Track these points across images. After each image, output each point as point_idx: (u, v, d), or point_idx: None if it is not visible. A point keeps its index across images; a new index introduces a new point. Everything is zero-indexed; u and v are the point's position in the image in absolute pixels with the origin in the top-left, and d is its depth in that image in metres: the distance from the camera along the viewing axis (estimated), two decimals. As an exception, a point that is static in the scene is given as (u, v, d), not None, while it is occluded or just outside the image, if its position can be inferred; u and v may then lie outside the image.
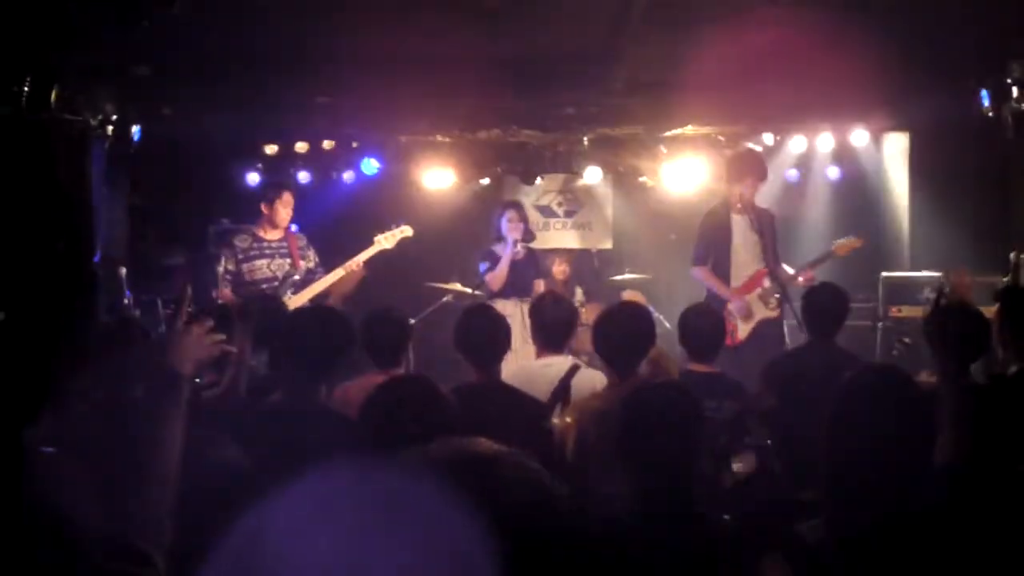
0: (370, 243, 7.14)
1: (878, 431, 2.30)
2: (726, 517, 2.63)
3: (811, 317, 5.09)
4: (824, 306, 5.06)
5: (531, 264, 7.85)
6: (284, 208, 6.89)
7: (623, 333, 4.16)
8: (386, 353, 4.32)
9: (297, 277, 6.77)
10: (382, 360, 4.31)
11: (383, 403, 2.72)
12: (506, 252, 7.59)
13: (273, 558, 0.94)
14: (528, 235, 7.86)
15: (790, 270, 7.01)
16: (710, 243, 7.06)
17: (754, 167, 7.12)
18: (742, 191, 6.94)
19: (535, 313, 4.90)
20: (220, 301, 6.46)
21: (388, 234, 7.22)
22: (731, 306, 6.86)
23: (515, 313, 7.12)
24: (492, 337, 4.26)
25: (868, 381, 2.46)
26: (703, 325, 4.76)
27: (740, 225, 6.99)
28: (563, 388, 4.41)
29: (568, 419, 3.97)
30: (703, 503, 2.55)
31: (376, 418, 2.69)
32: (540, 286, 7.56)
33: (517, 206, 7.94)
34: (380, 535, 0.95)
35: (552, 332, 4.76)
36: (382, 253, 7.15)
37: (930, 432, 2.33)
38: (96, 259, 7.12)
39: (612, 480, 2.78)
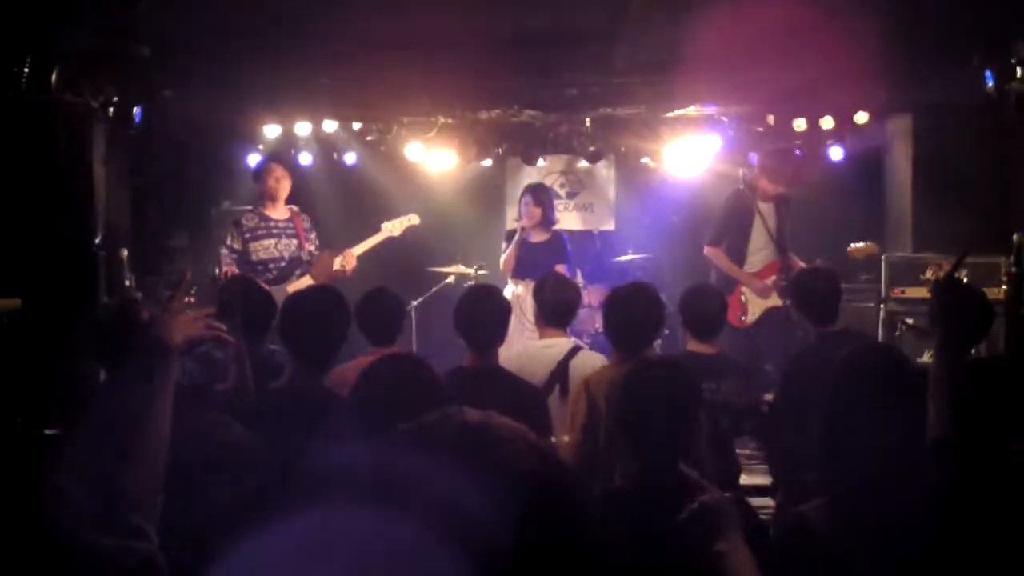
0: (376, 229, 7.11)
1: (874, 408, 2.32)
2: (727, 494, 2.64)
3: (806, 307, 4.99)
4: (813, 291, 4.92)
5: (554, 248, 7.44)
6: (274, 181, 6.69)
7: (630, 314, 4.14)
8: (380, 331, 4.34)
9: (306, 260, 6.74)
10: (377, 338, 4.34)
11: (372, 381, 2.72)
12: (516, 235, 7.45)
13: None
14: (548, 221, 7.46)
15: (801, 263, 7.03)
16: (728, 225, 7.08)
17: (788, 176, 7.15)
18: (767, 185, 7.03)
19: (537, 293, 4.92)
20: (226, 279, 6.42)
21: (395, 222, 7.19)
22: (746, 289, 6.92)
23: (522, 295, 6.99)
24: (490, 319, 4.20)
25: (864, 359, 2.48)
26: (704, 305, 4.74)
27: (765, 212, 7.06)
28: (561, 370, 4.40)
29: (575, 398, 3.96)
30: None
31: (366, 396, 2.69)
32: (560, 271, 7.40)
33: (535, 189, 7.61)
34: (386, 518, 0.95)
35: (554, 312, 4.77)
36: (387, 239, 7.13)
37: (925, 410, 2.34)
38: (97, 241, 7.12)
39: (615, 452, 2.83)
